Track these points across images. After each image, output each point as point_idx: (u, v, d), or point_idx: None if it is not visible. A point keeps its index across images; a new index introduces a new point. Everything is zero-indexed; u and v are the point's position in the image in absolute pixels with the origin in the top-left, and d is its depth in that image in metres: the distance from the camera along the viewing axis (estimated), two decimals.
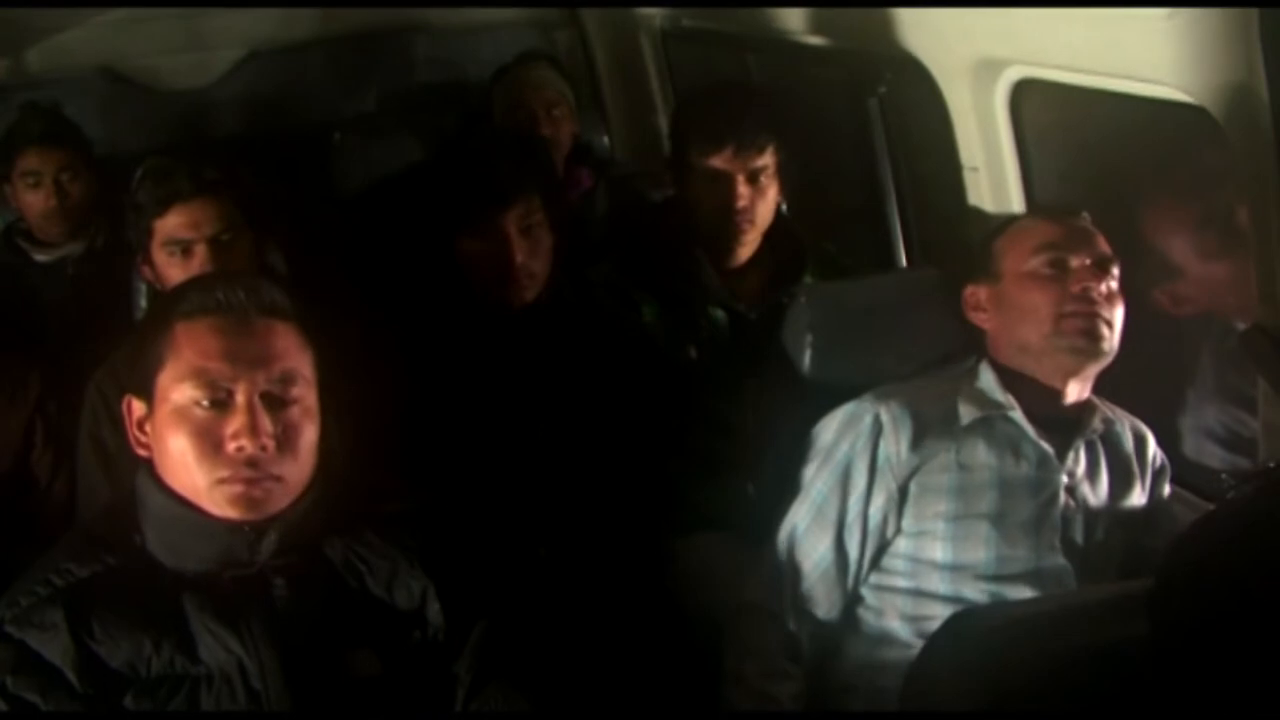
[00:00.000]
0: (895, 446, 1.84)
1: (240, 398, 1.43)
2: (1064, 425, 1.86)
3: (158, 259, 2.10)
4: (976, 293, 1.95)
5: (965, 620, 1.31)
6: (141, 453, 1.50)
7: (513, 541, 2.00)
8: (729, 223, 2.34)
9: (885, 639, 1.82)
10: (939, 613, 1.73)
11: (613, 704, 1.85)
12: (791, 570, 1.87)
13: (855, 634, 1.85)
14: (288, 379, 1.46)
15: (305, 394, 1.48)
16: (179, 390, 1.44)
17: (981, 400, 1.86)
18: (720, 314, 2.38)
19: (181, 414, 1.43)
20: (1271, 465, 1.29)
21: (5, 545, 1.88)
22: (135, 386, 1.50)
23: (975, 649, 1.24)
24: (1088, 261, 1.84)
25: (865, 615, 1.85)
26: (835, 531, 1.86)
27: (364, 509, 1.56)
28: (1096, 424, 1.88)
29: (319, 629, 1.45)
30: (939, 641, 1.29)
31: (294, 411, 1.46)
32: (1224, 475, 1.97)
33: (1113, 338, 1.83)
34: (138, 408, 1.50)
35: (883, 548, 1.86)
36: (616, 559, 2.07)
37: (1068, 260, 1.84)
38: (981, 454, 1.83)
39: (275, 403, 1.44)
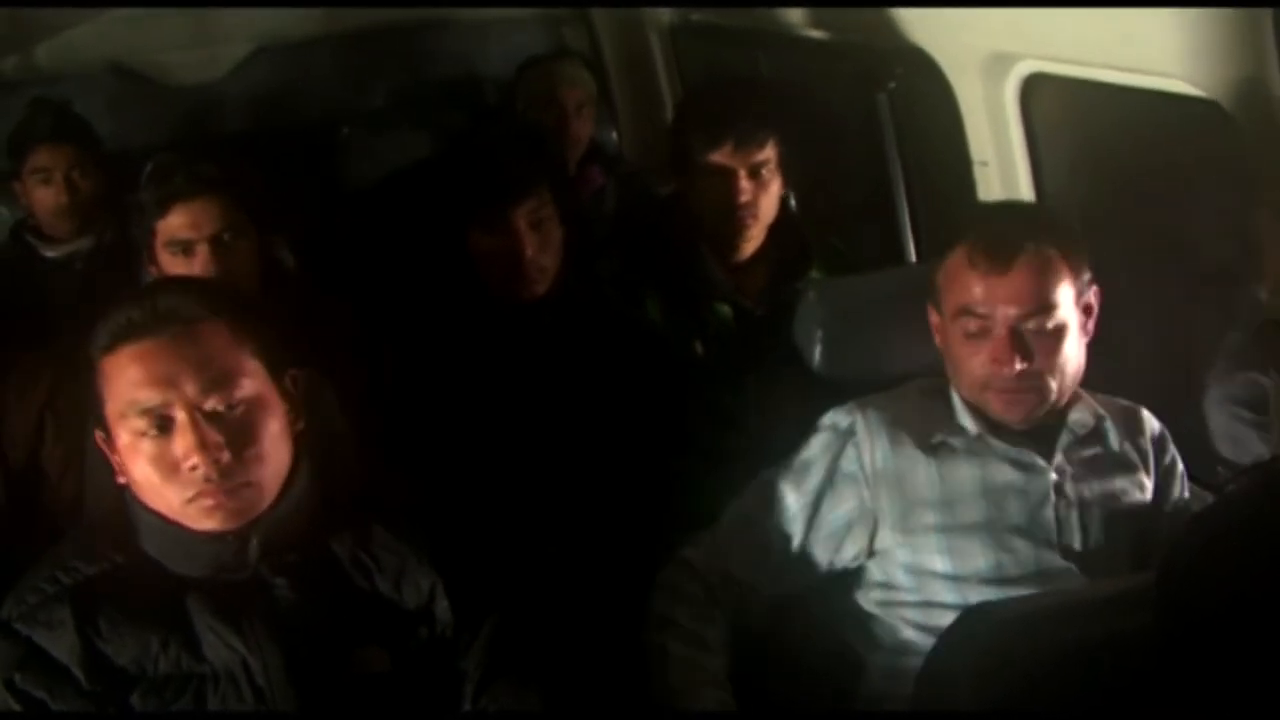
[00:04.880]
0: (870, 455, 1.81)
1: (180, 417, 1.39)
2: (1045, 429, 1.80)
3: (162, 259, 2.11)
4: (933, 313, 1.85)
5: (976, 615, 1.31)
6: (122, 480, 1.47)
7: (522, 537, 2.00)
8: (732, 218, 2.34)
9: (904, 649, 1.79)
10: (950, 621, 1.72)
11: (620, 701, 1.84)
12: (726, 542, 1.86)
13: (875, 648, 1.83)
14: (224, 381, 1.40)
15: (251, 387, 1.43)
16: (123, 424, 1.41)
17: (949, 423, 1.81)
18: (726, 309, 2.38)
19: (133, 446, 1.41)
20: (1270, 458, 1.28)
21: (16, 540, 1.88)
22: (97, 422, 1.46)
23: (986, 644, 1.24)
24: (1011, 322, 1.71)
25: (880, 631, 1.83)
26: (777, 519, 1.83)
27: (372, 505, 1.55)
28: (1084, 419, 1.81)
29: (324, 626, 1.45)
30: (951, 637, 1.29)
31: (242, 411, 1.41)
32: (1220, 469, 1.94)
33: (1054, 386, 1.74)
34: (104, 442, 1.47)
35: (854, 555, 1.83)
36: (624, 555, 2.07)
37: (990, 326, 1.72)
38: (962, 465, 1.79)
39: (217, 411, 1.40)
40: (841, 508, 1.82)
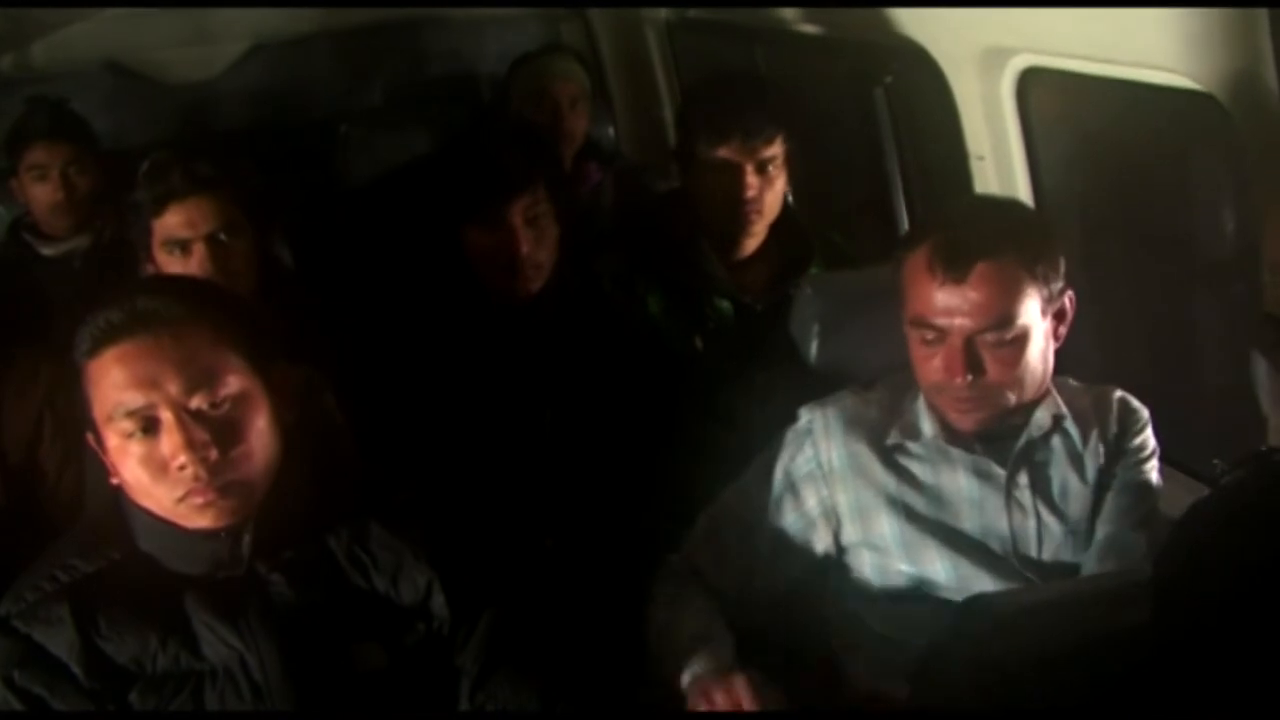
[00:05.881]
0: (827, 453, 1.79)
1: (165, 417, 1.39)
2: (1007, 430, 1.74)
3: (159, 258, 2.11)
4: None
5: (974, 608, 1.31)
6: (115, 481, 1.47)
7: (519, 533, 2.00)
8: (737, 214, 2.34)
9: (883, 644, 1.77)
10: (928, 623, 1.70)
11: (618, 698, 1.85)
12: (697, 545, 1.86)
13: (856, 645, 1.82)
14: (207, 379, 1.40)
15: (236, 384, 1.43)
16: (111, 427, 1.41)
17: (908, 425, 1.78)
18: (726, 305, 2.38)
19: (122, 448, 1.41)
20: (1264, 449, 1.27)
21: (16, 538, 1.88)
22: (87, 425, 1.46)
23: (985, 637, 1.24)
24: (966, 333, 1.65)
25: (860, 627, 1.81)
26: (745, 522, 1.83)
27: (369, 501, 1.55)
28: (1043, 421, 1.75)
29: (321, 623, 1.45)
30: (949, 630, 1.29)
31: (227, 409, 1.41)
32: (1216, 461, 1.91)
33: (1011, 396, 1.69)
34: (96, 444, 1.47)
35: (824, 552, 1.81)
36: (620, 550, 2.07)
37: (944, 336, 1.67)
38: (916, 468, 1.77)
39: (203, 409, 1.40)
40: (804, 506, 1.82)
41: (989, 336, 1.65)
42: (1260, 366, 1.74)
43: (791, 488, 1.83)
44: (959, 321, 1.65)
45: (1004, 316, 1.64)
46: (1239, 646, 0.96)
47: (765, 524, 1.83)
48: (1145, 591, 1.06)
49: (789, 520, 1.82)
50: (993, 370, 1.67)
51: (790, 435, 1.85)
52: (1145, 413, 1.82)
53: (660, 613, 1.81)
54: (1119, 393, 1.83)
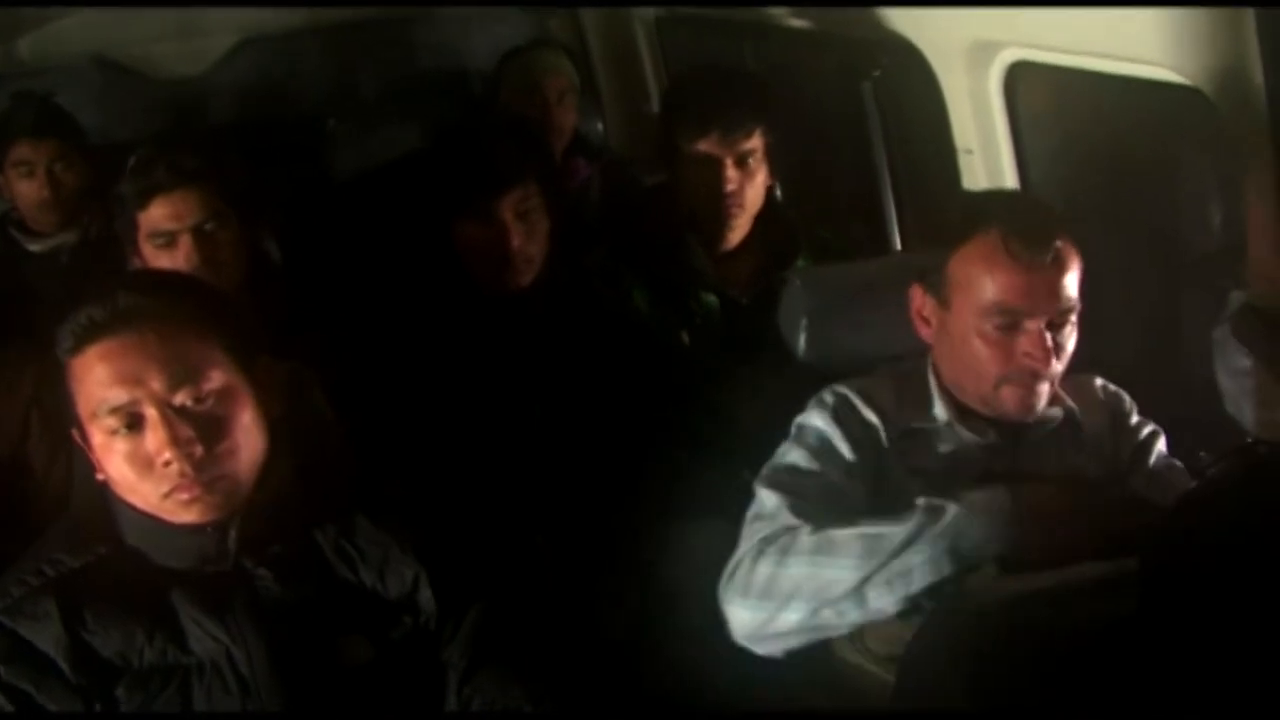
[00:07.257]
0: (871, 414, 1.76)
1: (150, 413, 1.38)
2: (1015, 423, 1.74)
3: (145, 251, 2.11)
4: (925, 301, 1.77)
5: (955, 604, 1.32)
6: (101, 477, 1.46)
7: (508, 527, 2.00)
8: (718, 207, 2.35)
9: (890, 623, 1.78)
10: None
11: (606, 693, 1.85)
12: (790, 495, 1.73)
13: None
14: (191, 375, 1.40)
15: (219, 379, 1.42)
16: (95, 424, 1.41)
17: (921, 413, 1.77)
18: (712, 299, 2.39)
19: (107, 445, 1.41)
20: (1249, 441, 1.27)
21: (2, 533, 1.88)
22: (72, 422, 1.46)
23: (965, 633, 1.24)
24: (1046, 317, 1.64)
25: None
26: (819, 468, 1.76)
27: (357, 495, 1.55)
28: (1054, 413, 1.75)
29: (307, 616, 1.45)
30: (930, 627, 1.30)
31: (212, 404, 1.41)
32: (1202, 454, 1.91)
33: (1053, 389, 1.71)
34: (81, 440, 1.46)
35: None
36: (609, 544, 2.07)
37: (1022, 321, 1.65)
38: (930, 455, 1.75)
39: (187, 405, 1.39)
40: (857, 456, 1.76)
41: (1059, 319, 1.66)
42: (1228, 357, 1.75)
43: (846, 439, 1.76)
44: (1044, 304, 1.64)
45: (1074, 297, 1.66)
46: (1225, 636, 0.97)
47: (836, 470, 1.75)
48: (1132, 582, 1.07)
49: (865, 469, 1.75)
50: (1061, 353, 1.68)
51: (823, 407, 1.80)
52: (1126, 394, 1.84)
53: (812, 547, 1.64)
54: (1098, 379, 1.85)
